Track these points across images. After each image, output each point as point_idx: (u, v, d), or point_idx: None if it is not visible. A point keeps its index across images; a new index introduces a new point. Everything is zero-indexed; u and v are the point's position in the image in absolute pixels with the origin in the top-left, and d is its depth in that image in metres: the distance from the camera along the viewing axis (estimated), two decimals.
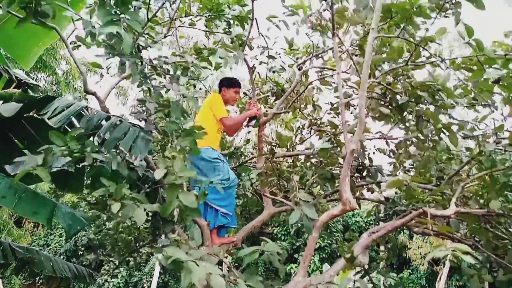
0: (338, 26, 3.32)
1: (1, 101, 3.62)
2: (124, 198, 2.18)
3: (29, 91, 4.24)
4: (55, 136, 2.25)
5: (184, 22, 4.46)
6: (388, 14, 2.75)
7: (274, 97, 5.53)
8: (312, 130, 5.05)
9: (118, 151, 2.83)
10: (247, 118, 4.19)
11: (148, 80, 2.97)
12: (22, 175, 2.18)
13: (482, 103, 3.08)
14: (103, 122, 3.12)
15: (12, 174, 4.03)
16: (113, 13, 2.19)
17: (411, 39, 2.79)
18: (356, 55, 3.53)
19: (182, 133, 2.33)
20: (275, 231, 17.18)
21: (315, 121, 5.06)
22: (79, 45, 3.99)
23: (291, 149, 4.87)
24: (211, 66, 4.04)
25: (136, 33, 2.24)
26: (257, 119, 4.26)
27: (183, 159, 2.21)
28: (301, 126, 5.43)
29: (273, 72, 4.91)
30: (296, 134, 5.56)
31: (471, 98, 3.18)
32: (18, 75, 4.08)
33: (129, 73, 3.00)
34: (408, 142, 3.65)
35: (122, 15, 2.21)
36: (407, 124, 3.34)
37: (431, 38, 2.73)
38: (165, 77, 3.12)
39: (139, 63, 2.71)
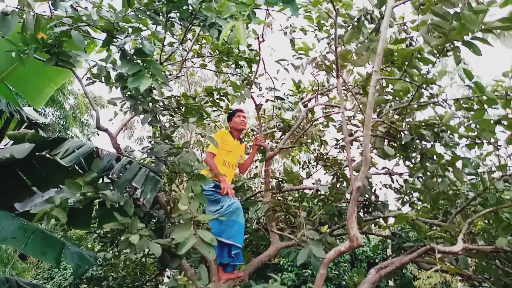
0: (341, 68, 3.42)
1: (13, 142, 3.74)
2: (137, 232, 2.26)
3: (40, 130, 4.36)
4: (71, 184, 2.34)
5: (196, 63, 4.64)
6: (390, 57, 2.86)
7: (281, 133, 5.63)
8: (319, 165, 5.12)
9: (127, 189, 2.91)
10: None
11: (158, 119, 3.09)
12: (41, 215, 2.25)
13: (486, 141, 3.14)
14: (114, 162, 3.22)
15: (20, 211, 4.11)
16: (135, 62, 2.32)
17: (413, 81, 2.88)
18: (360, 94, 3.63)
19: (194, 176, 2.42)
20: (281, 262, 16.93)
21: (322, 156, 5.14)
22: (93, 82, 4.10)
23: (297, 183, 4.92)
24: (221, 107, 4.19)
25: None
26: (264, 154, 4.35)
27: (197, 201, 2.29)
28: (307, 161, 5.50)
29: (279, 109, 5.04)
30: (303, 168, 5.64)
31: (474, 136, 3.24)
32: (29, 115, 4.21)
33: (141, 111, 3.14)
34: (413, 179, 3.69)
35: (145, 65, 2.33)
36: (412, 161, 3.39)
37: (432, 81, 2.83)
38: (175, 115, 3.22)
39: (152, 104, 2.82)
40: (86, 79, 3.63)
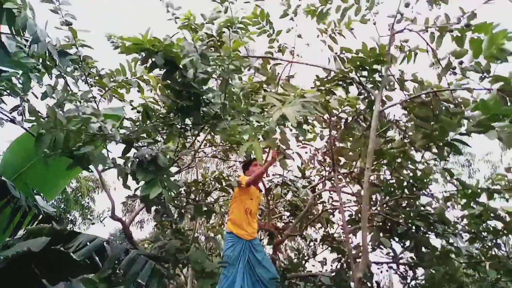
0: (337, 162, 3.94)
1: (29, 235, 4.20)
2: None
3: (53, 223, 4.85)
4: (87, 282, 2.76)
5: (208, 154, 5.23)
6: (381, 156, 3.36)
7: (288, 214, 6.04)
8: (324, 245, 5.43)
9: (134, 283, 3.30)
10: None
11: (171, 214, 3.54)
12: None
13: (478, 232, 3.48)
14: (123, 255, 3.64)
15: None
16: (150, 171, 2.84)
17: (403, 177, 3.35)
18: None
19: (205, 274, 2.82)
20: None
21: (328, 235, 5.47)
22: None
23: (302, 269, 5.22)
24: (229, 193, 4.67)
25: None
26: (272, 237, 4.75)
27: None
28: (313, 240, 5.84)
29: (285, 193, 5.52)
30: (308, 246, 5.96)
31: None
32: (45, 208, 4.73)
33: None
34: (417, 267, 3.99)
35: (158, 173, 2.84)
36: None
37: (419, 178, 3.29)
38: (180, 213, 3.69)
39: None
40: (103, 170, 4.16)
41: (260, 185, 5.37)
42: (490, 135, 2.98)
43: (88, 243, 3.76)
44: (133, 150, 3.17)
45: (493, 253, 3.52)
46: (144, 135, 3.09)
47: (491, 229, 3.22)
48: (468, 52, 2.98)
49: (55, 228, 4.14)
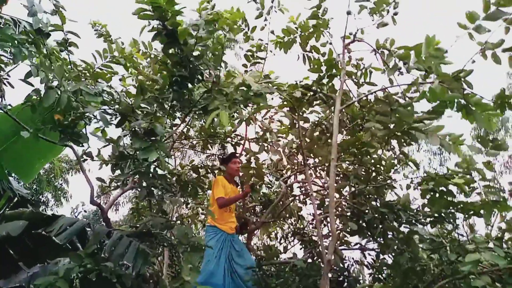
0: (307, 157, 4.28)
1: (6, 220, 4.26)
2: None
3: (29, 206, 4.91)
4: (74, 257, 2.91)
5: (185, 144, 5.44)
6: (346, 147, 3.70)
7: (261, 206, 6.31)
8: (296, 239, 5.73)
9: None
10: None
11: (153, 194, 3.70)
12: (44, 286, 2.76)
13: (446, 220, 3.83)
14: (105, 236, 3.78)
15: None
16: (145, 140, 3.02)
17: (363, 166, 3.70)
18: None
19: (189, 248, 3.02)
20: None
21: (298, 230, 5.77)
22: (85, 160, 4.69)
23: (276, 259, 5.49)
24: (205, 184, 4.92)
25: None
26: (245, 227, 5.04)
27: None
28: (285, 235, 6.14)
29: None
30: (280, 243, 6.27)
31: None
32: (20, 192, 4.80)
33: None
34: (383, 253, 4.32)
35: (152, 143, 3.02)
36: (377, 237, 4.07)
37: (379, 163, 3.65)
38: (166, 191, 3.85)
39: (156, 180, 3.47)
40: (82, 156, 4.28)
41: (237, 179, 5.62)
42: (433, 140, 3.31)
43: (68, 226, 3.87)
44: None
45: (454, 237, 3.87)
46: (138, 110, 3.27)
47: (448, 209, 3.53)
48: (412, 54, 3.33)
49: (34, 211, 4.23)
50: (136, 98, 3.22)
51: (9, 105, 3.87)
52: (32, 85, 3.18)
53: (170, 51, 3.17)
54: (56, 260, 4.66)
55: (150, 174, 3.26)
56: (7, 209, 4.84)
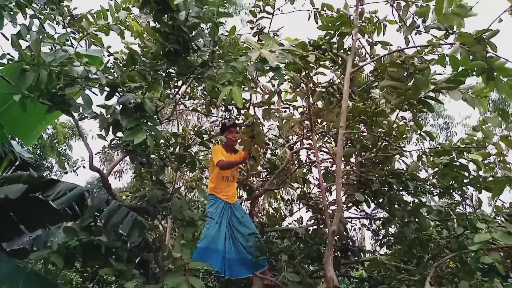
0: (315, 123, 4.09)
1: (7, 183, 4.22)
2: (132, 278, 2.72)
3: (31, 170, 4.87)
4: (68, 230, 2.84)
5: (188, 107, 5.26)
6: (356, 113, 3.48)
7: (266, 172, 6.21)
8: (301, 204, 5.67)
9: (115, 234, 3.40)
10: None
11: (150, 166, 3.59)
12: (39, 260, 2.72)
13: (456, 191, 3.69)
14: (104, 205, 3.71)
15: (8, 250, 4.55)
16: (134, 117, 2.82)
17: (372, 133, 3.52)
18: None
19: (185, 223, 2.93)
20: None
21: (304, 194, 5.69)
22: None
23: (280, 223, 5.45)
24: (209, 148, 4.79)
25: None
26: (250, 193, 4.95)
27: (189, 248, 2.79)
28: (290, 199, 6.07)
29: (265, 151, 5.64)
30: (286, 206, 6.21)
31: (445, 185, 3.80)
32: (22, 155, 4.74)
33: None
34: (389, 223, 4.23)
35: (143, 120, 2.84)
36: (383, 207, 3.95)
37: (390, 133, 3.46)
38: (164, 164, 3.73)
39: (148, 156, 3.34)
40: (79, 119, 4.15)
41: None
42: (454, 95, 3.11)
43: (67, 192, 3.81)
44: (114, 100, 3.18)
45: (462, 210, 3.75)
46: (128, 82, 3.07)
47: (459, 180, 3.38)
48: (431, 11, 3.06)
49: (33, 175, 4.16)
50: (127, 68, 2.99)
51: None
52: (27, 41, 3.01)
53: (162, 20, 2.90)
54: (58, 225, 4.68)
55: (140, 150, 3.10)
56: (8, 172, 4.82)
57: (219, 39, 2.95)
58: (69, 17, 3.43)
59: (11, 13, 3.15)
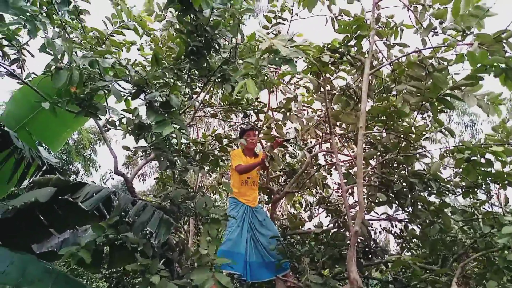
0: (333, 126, 4.13)
1: (36, 187, 4.37)
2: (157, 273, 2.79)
3: (57, 174, 5.02)
4: (96, 227, 2.93)
5: (207, 113, 5.38)
6: (375, 114, 3.51)
7: (286, 176, 6.25)
8: (321, 208, 5.68)
9: (142, 232, 3.48)
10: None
11: (174, 166, 3.68)
12: (67, 256, 2.81)
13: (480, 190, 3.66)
14: (130, 205, 3.82)
15: (37, 252, 4.68)
16: (160, 113, 2.95)
17: (393, 133, 3.53)
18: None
19: (210, 220, 2.99)
20: None
21: (324, 199, 5.70)
22: (109, 129, 4.73)
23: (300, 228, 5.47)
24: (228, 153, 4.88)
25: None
26: (270, 196, 4.98)
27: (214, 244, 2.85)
28: (310, 204, 6.09)
29: (283, 155, 5.70)
30: (305, 211, 6.23)
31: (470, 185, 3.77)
32: (49, 161, 4.89)
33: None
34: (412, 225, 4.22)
35: (168, 116, 2.94)
36: (406, 208, 3.94)
37: (409, 130, 3.47)
38: (188, 162, 3.82)
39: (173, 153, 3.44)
40: (104, 127, 4.30)
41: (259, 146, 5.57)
42: (470, 101, 3.10)
43: (95, 194, 3.93)
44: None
45: (488, 209, 3.71)
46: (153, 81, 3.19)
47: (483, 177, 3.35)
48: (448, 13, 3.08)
49: (61, 178, 4.30)
50: (151, 68, 3.12)
51: (33, 73, 3.86)
52: (51, 54, 3.15)
53: (185, 19, 3.02)
54: (85, 226, 4.80)
55: (167, 147, 3.20)
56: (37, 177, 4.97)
57: (241, 32, 3.03)
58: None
59: (41, 22, 3.30)
